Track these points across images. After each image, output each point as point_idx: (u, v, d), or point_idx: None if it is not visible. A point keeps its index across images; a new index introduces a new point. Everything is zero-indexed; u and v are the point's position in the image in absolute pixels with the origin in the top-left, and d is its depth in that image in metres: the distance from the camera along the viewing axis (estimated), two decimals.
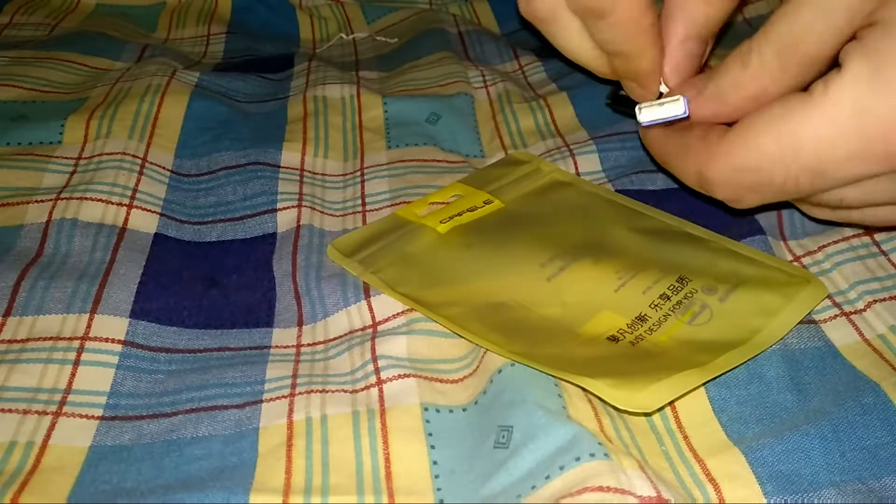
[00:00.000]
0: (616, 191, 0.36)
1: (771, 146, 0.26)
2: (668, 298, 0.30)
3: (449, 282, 0.31)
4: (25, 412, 0.27)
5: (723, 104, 0.28)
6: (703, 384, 0.27)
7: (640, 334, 0.28)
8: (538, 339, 0.28)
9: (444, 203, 0.36)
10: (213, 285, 0.32)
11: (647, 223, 0.34)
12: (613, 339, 0.28)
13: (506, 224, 0.34)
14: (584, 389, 0.26)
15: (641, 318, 0.29)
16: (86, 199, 0.35)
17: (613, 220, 0.34)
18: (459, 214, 0.35)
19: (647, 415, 0.27)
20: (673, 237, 0.33)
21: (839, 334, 0.29)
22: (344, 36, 0.53)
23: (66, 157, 0.38)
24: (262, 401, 0.27)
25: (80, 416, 0.27)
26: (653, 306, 0.29)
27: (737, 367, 0.27)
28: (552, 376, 0.26)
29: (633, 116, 0.30)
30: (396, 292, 0.31)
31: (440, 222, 0.34)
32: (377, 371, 0.28)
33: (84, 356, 0.28)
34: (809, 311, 0.29)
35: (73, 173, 0.37)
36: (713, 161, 0.27)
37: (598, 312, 0.29)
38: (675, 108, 0.29)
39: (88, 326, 0.29)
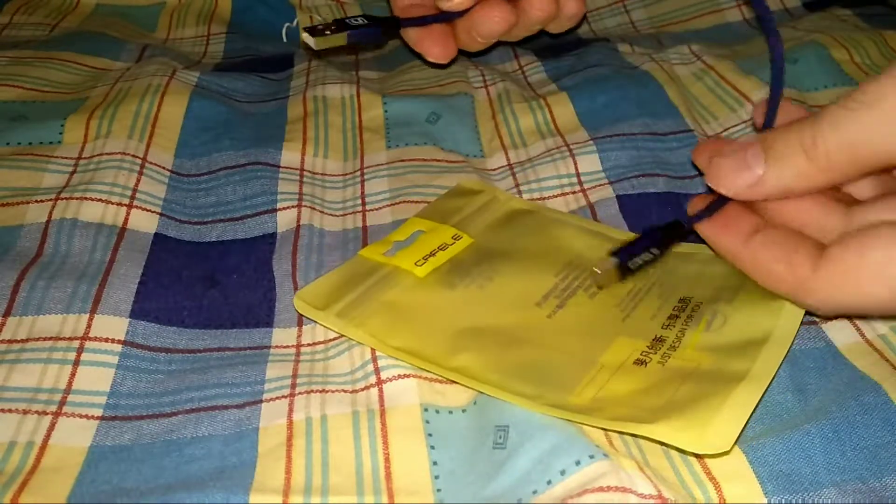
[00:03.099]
0: (617, 196, 0.36)
1: (882, 293, 0.25)
2: (678, 317, 0.29)
3: (445, 327, 0.29)
4: (25, 412, 0.27)
5: (788, 193, 0.27)
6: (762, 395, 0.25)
7: (665, 352, 0.27)
8: (567, 380, 0.27)
9: (405, 241, 0.34)
10: (213, 285, 0.32)
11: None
12: (640, 362, 0.27)
13: (482, 260, 0.33)
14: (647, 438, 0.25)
15: (659, 340, 0.28)
16: (86, 199, 0.35)
17: (588, 247, 0.33)
18: (433, 254, 0.33)
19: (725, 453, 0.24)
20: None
21: (840, 334, 0.29)
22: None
23: (65, 157, 0.38)
24: (261, 401, 0.27)
25: (80, 416, 0.27)
26: (665, 327, 0.29)
27: (780, 365, 0.26)
28: (605, 429, 0.25)
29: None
30: (390, 347, 0.28)
31: (415, 264, 0.32)
32: (377, 371, 0.28)
33: (84, 356, 0.28)
34: None
35: (72, 173, 0.37)
36: (812, 294, 0.26)
37: (614, 340, 0.28)
38: None
39: (88, 326, 0.29)
